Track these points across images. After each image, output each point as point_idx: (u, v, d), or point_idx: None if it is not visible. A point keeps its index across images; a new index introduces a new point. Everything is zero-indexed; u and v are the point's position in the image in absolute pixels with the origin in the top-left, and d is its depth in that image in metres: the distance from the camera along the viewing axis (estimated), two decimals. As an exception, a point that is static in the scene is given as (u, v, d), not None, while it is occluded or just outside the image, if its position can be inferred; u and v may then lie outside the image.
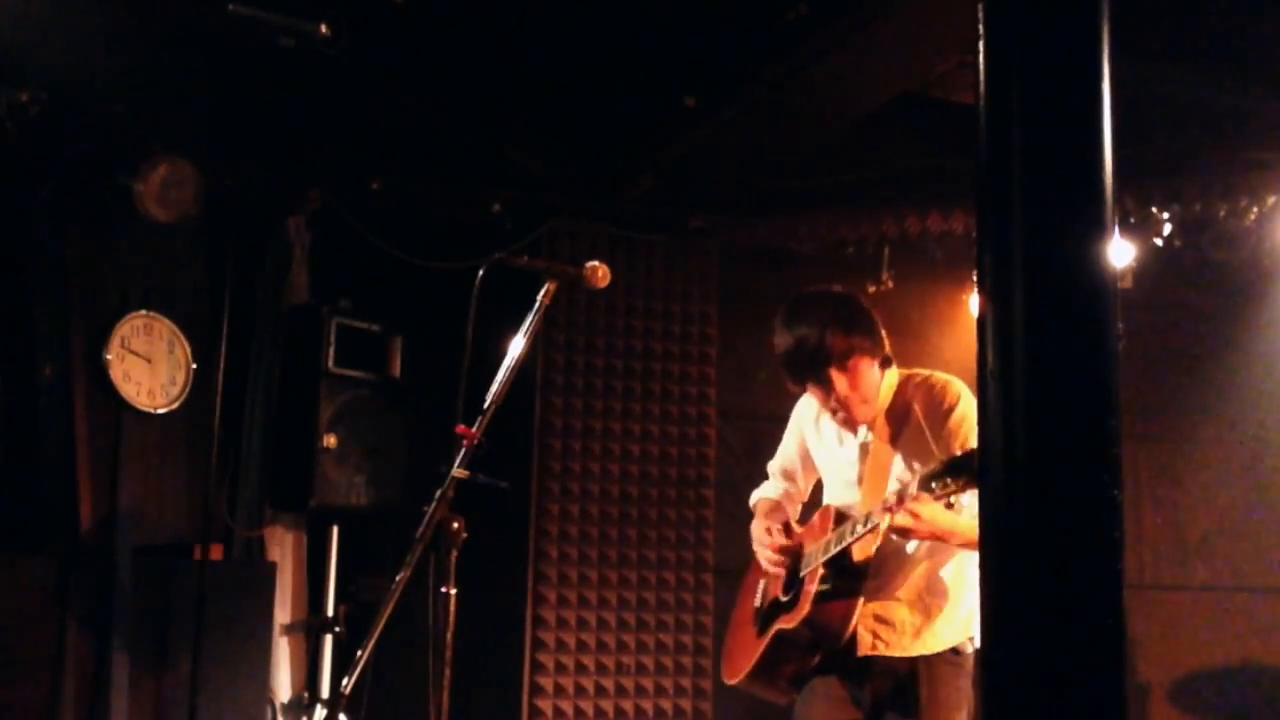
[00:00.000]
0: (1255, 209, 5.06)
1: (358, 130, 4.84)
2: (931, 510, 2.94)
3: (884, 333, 3.29)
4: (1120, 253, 5.08)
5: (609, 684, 5.48)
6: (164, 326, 4.75)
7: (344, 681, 2.58)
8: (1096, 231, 1.55)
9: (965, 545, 3.09)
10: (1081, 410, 1.52)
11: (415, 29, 4.04)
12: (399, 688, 3.83)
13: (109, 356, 4.53)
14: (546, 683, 5.40)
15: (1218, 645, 5.70)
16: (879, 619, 3.20)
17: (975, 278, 1.63)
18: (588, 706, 5.42)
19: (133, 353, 4.63)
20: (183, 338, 4.78)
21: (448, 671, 2.61)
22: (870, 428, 3.29)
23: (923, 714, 3.13)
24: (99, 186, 4.58)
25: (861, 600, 3.14)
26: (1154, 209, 5.09)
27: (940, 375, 3.32)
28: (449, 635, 2.61)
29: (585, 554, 5.54)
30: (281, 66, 4.05)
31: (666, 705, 5.50)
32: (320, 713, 4.96)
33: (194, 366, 4.79)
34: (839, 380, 3.17)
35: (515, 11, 3.99)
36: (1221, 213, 5.09)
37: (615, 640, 5.51)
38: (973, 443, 3.04)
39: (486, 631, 4.35)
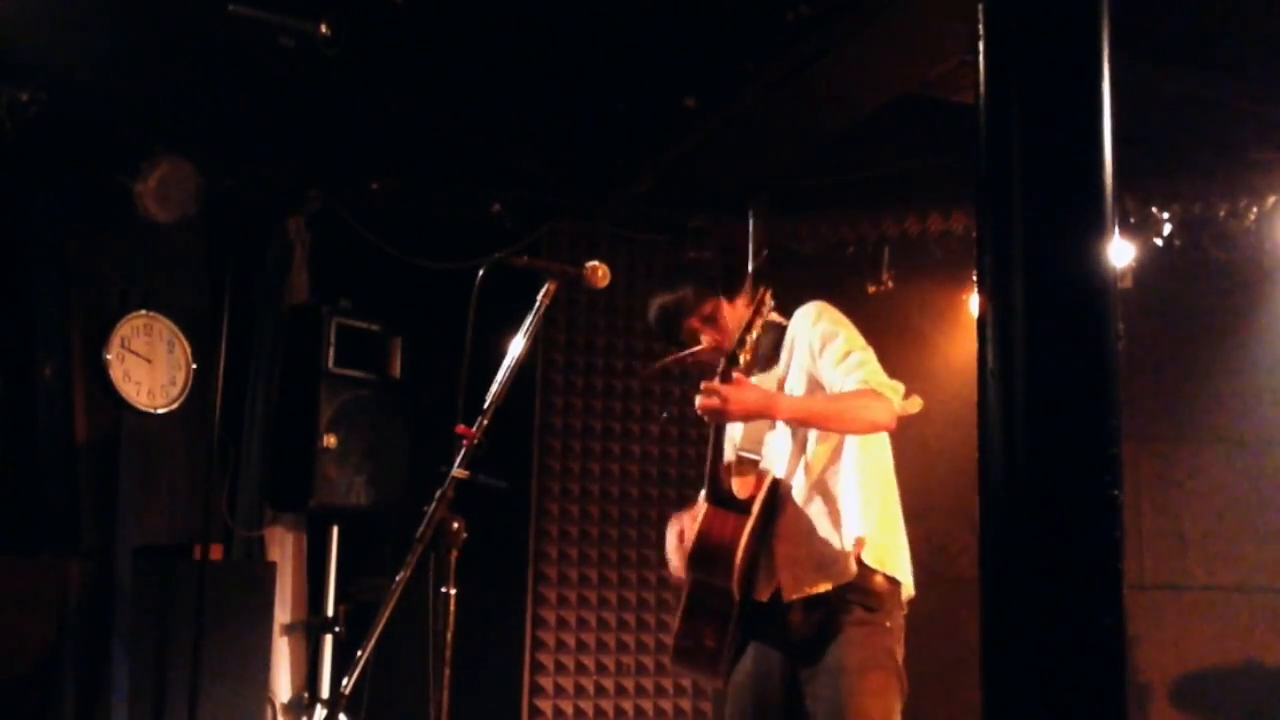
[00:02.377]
0: (1255, 209, 5.06)
1: (358, 130, 4.84)
2: (739, 390, 2.89)
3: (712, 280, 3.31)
4: (1120, 253, 5.08)
5: (609, 684, 5.48)
6: (164, 326, 4.75)
7: (344, 681, 2.58)
8: (1096, 231, 1.55)
9: (818, 421, 3.02)
10: (1081, 410, 1.52)
11: (415, 29, 4.04)
12: (399, 688, 3.84)
13: (109, 356, 4.53)
14: (546, 683, 5.40)
15: (1218, 645, 5.70)
16: (779, 562, 3.05)
17: (975, 278, 1.63)
18: (588, 706, 5.42)
19: (133, 353, 4.63)
20: (183, 338, 4.79)
21: (448, 671, 2.61)
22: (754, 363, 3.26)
23: (848, 679, 2.95)
24: (99, 186, 4.59)
25: (750, 520, 2.98)
26: (1154, 209, 5.09)
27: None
28: (449, 635, 2.61)
29: (585, 554, 5.54)
30: (281, 66, 4.05)
31: (666, 705, 5.50)
32: (320, 713, 4.96)
33: (194, 366, 4.80)
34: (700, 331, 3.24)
35: (515, 11, 3.99)
36: (1221, 213, 5.10)
37: (615, 640, 5.51)
38: (837, 336, 3.07)
39: (486, 631, 4.35)
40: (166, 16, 3.86)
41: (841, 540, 3.03)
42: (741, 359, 2.92)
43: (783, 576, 3.05)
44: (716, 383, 2.89)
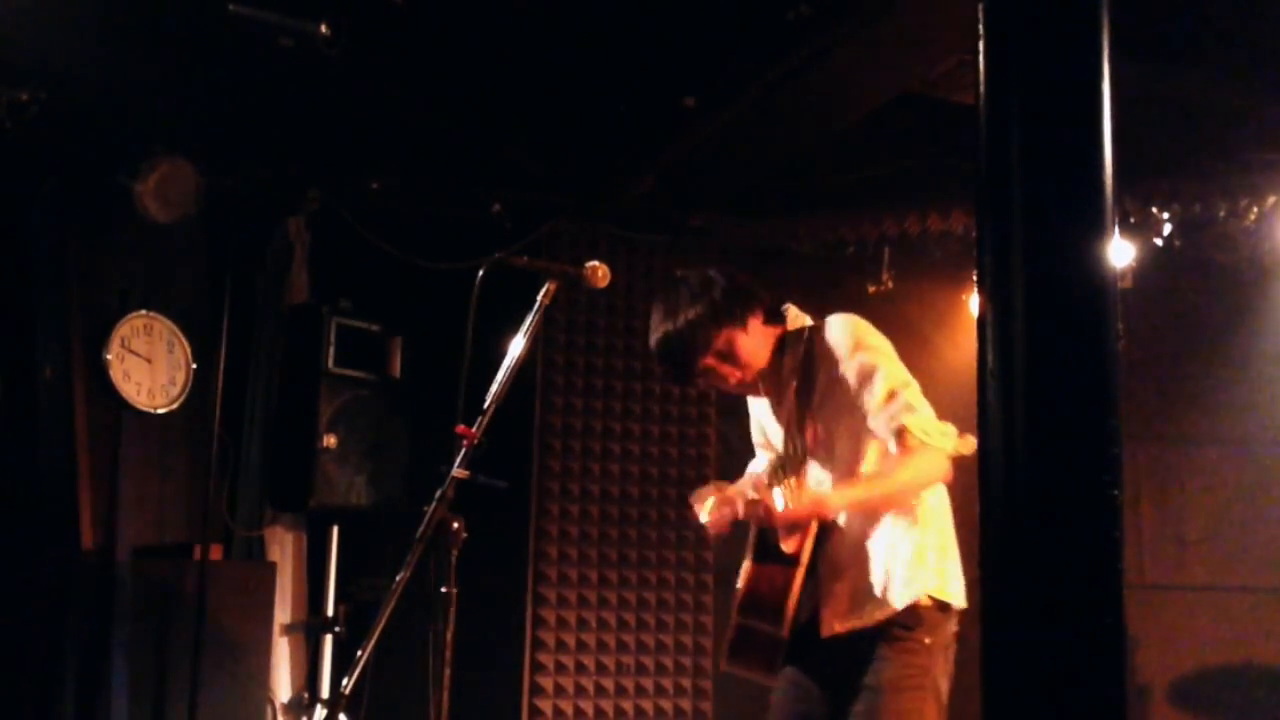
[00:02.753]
0: (1255, 209, 5.07)
1: (358, 130, 4.84)
2: (789, 502, 2.83)
3: (755, 289, 3.10)
4: (1120, 253, 5.08)
5: (609, 684, 5.48)
6: (164, 326, 4.75)
7: (344, 681, 2.58)
8: (1096, 231, 1.55)
9: (876, 506, 2.94)
10: (1081, 410, 1.52)
11: (415, 29, 4.04)
12: (399, 688, 3.84)
13: (109, 356, 4.53)
14: (546, 683, 5.40)
15: (1218, 645, 5.70)
16: (821, 595, 2.99)
17: (975, 278, 1.63)
18: (588, 706, 5.42)
19: (133, 353, 4.63)
20: (183, 338, 4.79)
21: (448, 671, 2.61)
22: (779, 388, 3.12)
23: (880, 698, 2.89)
24: (99, 186, 4.59)
25: (800, 570, 2.92)
26: (1154, 209, 5.09)
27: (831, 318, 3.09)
28: (449, 635, 2.61)
29: (585, 554, 5.54)
30: (281, 66, 4.05)
31: (666, 705, 5.50)
32: (320, 713, 4.96)
33: (194, 366, 4.80)
34: (717, 369, 3.06)
35: (515, 11, 3.99)
36: (1221, 213, 5.10)
37: (615, 640, 5.51)
38: (876, 371, 2.92)
39: (486, 631, 4.35)
40: (166, 16, 3.86)
41: (885, 575, 2.94)
42: (793, 480, 2.89)
43: (824, 611, 2.99)
44: (766, 499, 2.86)
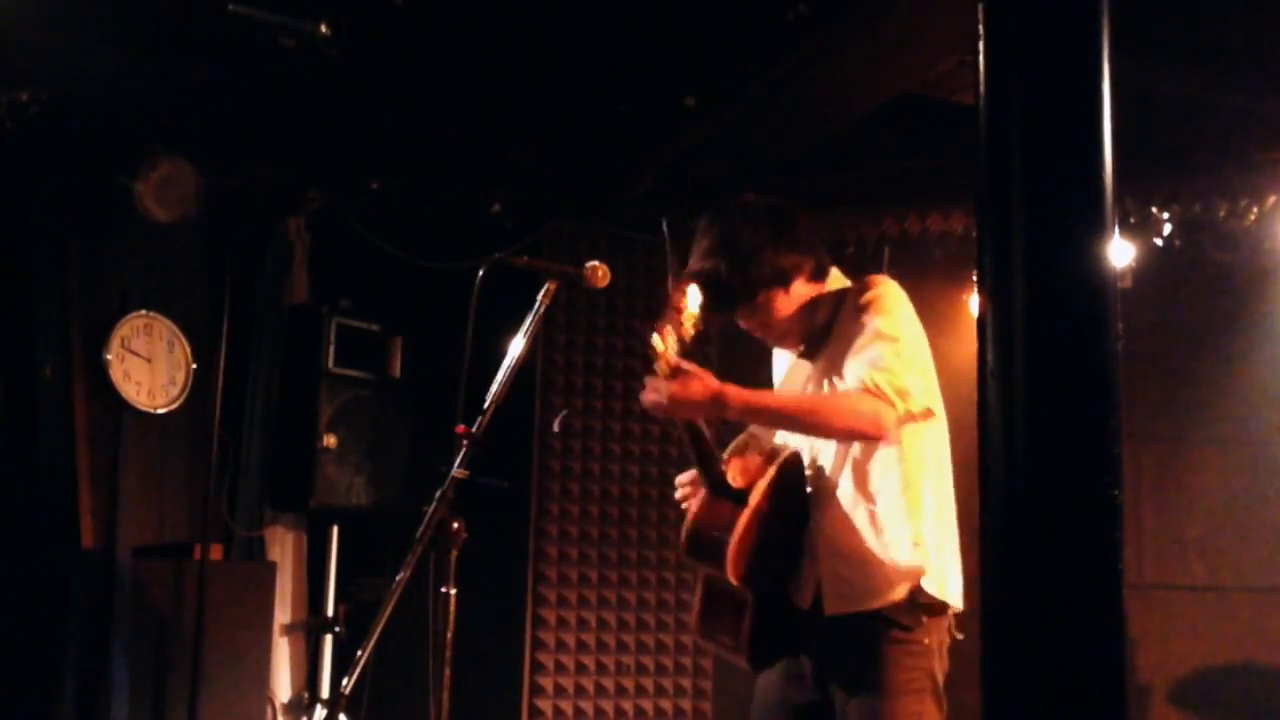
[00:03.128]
0: (1255, 209, 5.06)
1: (358, 130, 4.84)
2: (685, 385, 2.68)
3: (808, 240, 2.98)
4: (1120, 253, 5.08)
5: (609, 684, 5.48)
6: (164, 326, 4.75)
7: (344, 681, 2.58)
8: (1096, 231, 1.55)
9: (793, 422, 2.85)
10: (1081, 410, 1.52)
11: (415, 29, 4.04)
12: (399, 688, 3.84)
13: (109, 356, 4.53)
14: (546, 683, 5.40)
15: (1218, 645, 5.70)
16: (825, 575, 2.87)
17: (975, 278, 1.63)
18: (588, 706, 5.42)
19: (133, 353, 4.63)
20: (183, 338, 4.79)
21: (448, 671, 2.61)
22: (805, 348, 3.02)
23: (882, 702, 2.79)
24: (99, 186, 4.59)
25: (748, 512, 2.78)
26: (1154, 209, 5.09)
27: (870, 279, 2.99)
28: (449, 635, 2.61)
29: (585, 554, 5.54)
30: (281, 66, 4.05)
31: (666, 705, 5.50)
32: (320, 713, 4.96)
33: (194, 366, 4.79)
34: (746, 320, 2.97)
35: (515, 12, 3.99)
36: (1221, 213, 5.09)
37: (615, 640, 5.52)
38: (876, 329, 2.82)
39: (486, 631, 4.35)
40: (166, 16, 3.86)
41: (892, 558, 2.83)
42: (681, 335, 2.70)
43: (827, 590, 2.87)
44: (659, 379, 2.71)
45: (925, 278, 5.67)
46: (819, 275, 3.04)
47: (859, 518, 2.88)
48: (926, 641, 2.84)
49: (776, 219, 2.96)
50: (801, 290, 2.98)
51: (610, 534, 5.58)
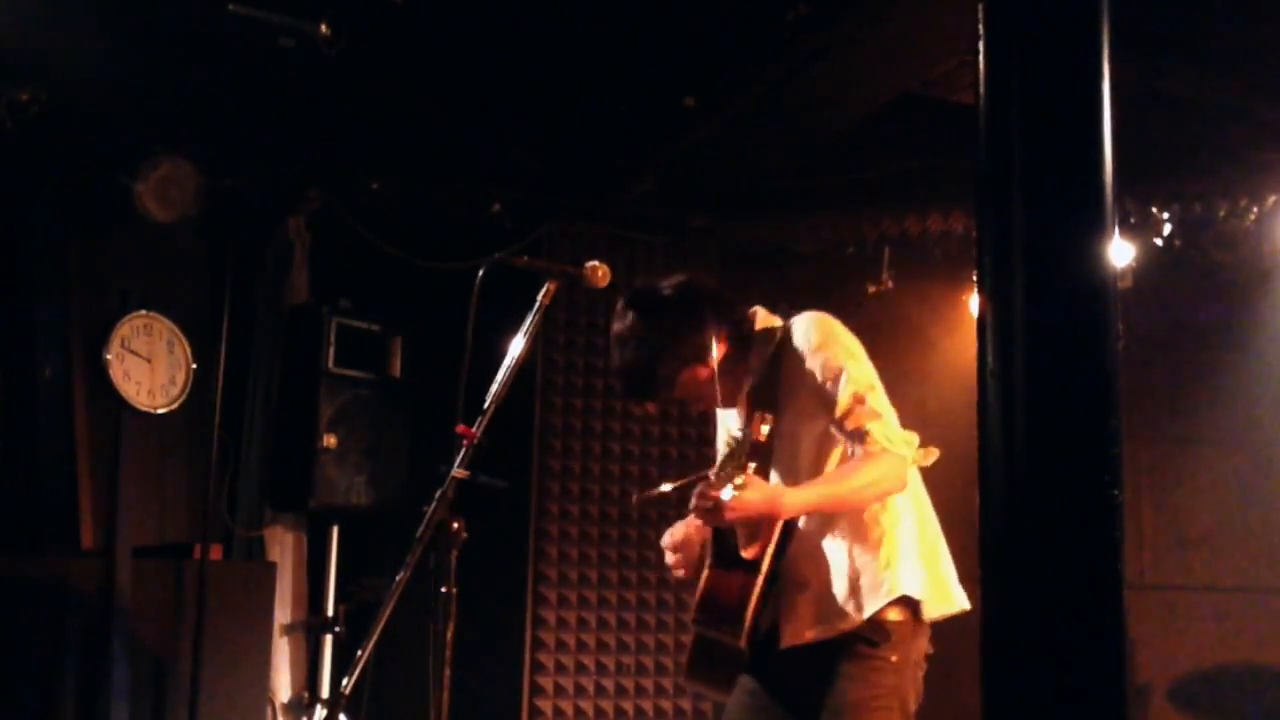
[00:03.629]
0: (1255, 209, 5.07)
1: (358, 130, 4.84)
2: (739, 496, 2.63)
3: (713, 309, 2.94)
4: (1120, 253, 5.08)
5: (609, 684, 5.48)
6: (164, 326, 4.75)
7: (344, 681, 2.58)
8: (1096, 231, 1.55)
9: (832, 509, 2.80)
10: (1081, 410, 1.52)
11: (415, 29, 4.04)
12: (399, 688, 3.84)
13: (109, 356, 4.53)
14: (546, 683, 5.40)
15: (1218, 645, 5.70)
16: (782, 606, 2.86)
17: (975, 278, 1.63)
18: (588, 706, 5.42)
19: (133, 353, 4.62)
20: (183, 338, 4.78)
21: (448, 671, 2.61)
22: (752, 397, 2.97)
23: (842, 717, 2.76)
24: (99, 186, 4.58)
25: (761, 578, 2.77)
26: (1154, 209, 5.09)
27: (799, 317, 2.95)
28: (449, 635, 2.61)
29: (585, 554, 5.54)
30: (281, 66, 4.05)
31: (666, 705, 5.50)
32: (320, 713, 4.96)
33: (194, 366, 4.79)
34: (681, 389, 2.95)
35: (515, 11, 3.99)
36: (1221, 213, 5.10)
37: (615, 640, 5.51)
38: (842, 373, 2.77)
39: (486, 631, 4.35)
40: (166, 16, 3.86)
41: (847, 585, 2.81)
42: (744, 464, 2.67)
43: (783, 624, 2.86)
44: (714, 493, 2.66)
45: (925, 278, 5.68)
46: (736, 329, 2.99)
47: (826, 544, 2.86)
48: (894, 659, 2.78)
49: (671, 306, 2.96)
50: (722, 354, 2.92)
51: (610, 534, 5.58)
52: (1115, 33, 1.58)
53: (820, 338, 2.87)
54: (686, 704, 5.51)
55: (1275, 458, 5.71)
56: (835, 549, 2.86)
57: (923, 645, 2.85)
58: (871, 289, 5.56)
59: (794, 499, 2.78)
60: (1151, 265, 5.22)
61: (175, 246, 4.85)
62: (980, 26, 1.62)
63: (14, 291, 4.55)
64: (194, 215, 4.65)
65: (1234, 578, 5.74)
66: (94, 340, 4.52)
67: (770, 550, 2.80)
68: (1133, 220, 5.09)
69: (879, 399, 2.81)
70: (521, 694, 5.35)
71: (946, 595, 2.87)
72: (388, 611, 2.56)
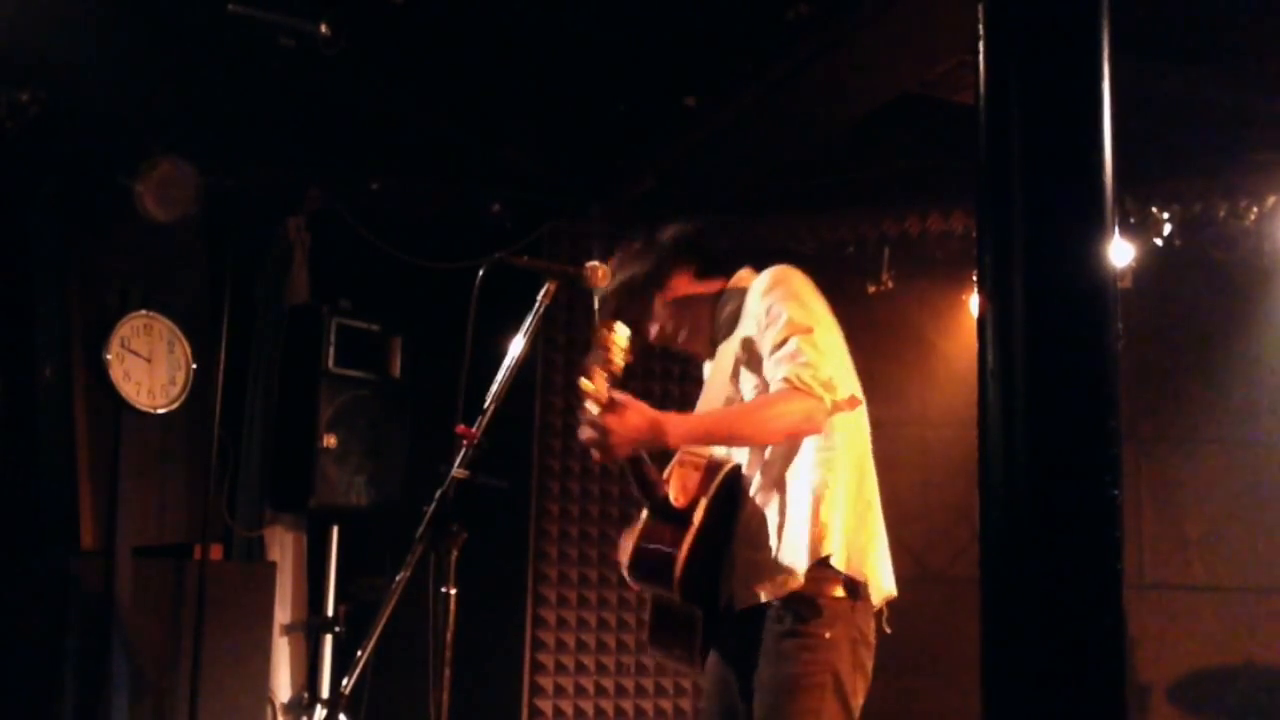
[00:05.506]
0: (1255, 209, 5.07)
1: (358, 130, 4.84)
2: (619, 418, 2.62)
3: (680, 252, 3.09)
4: (1120, 253, 5.08)
5: (609, 684, 5.48)
6: (164, 326, 4.74)
7: (344, 681, 2.58)
8: (1096, 231, 1.55)
9: (734, 436, 2.83)
10: (1081, 410, 1.52)
11: (415, 29, 4.05)
12: (399, 688, 3.83)
13: (109, 356, 4.53)
14: (546, 683, 5.40)
15: (1218, 645, 5.70)
16: (732, 571, 2.84)
17: (975, 278, 1.63)
18: (588, 706, 5.42)
19: (133, 353, 4.62)
20: (183, 338, 4.78)
21: (448, 671, 2.61)
22: (715, 347, 3.03)
23: (776, 698, 2.73)
24: (99, 186, 4.58)
25: (692, 531, 2.77)
26: (1154, 209, 5.09)
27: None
28: (449, 635, 2.61)
29: (585, 554, 5.54)
30: (281, 66, 4.05)
31: (666, 705, 5.50)
32: (320, 713, 4.96)
33: (194, 366, 4.79)
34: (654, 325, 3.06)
35: (515, 11, 4.00)
36: (1221, 213, 5.10)
37: (615, 640, 5.52)
38: (781, 315, 2.80)
39: (486, 631, 4.35)
40: (166, 16, 3.86)
41: (787, 547, 2.78)
42: (612, 370, 2.66)
43: (733, 587, 2.85)
44: (595, 411, 2.63)
45: (925, 278, 5.68)
46: (722, 269, 3.12)
47: (769, 507, 2.86)
48: (828, 635, 2.75)
49: (679, 230, 3.14)
50: (708, 283, 3.08)
51: (610, 534, 5.58)
52: (1115, 33, 1.58)
53: (770, 283, 2.94)
54: (686, 704, 5.51)
55: (1275, 458, 5.71)
56: (781, 510, 2.84)
57: (863, 621, 2.82)
58: (871, 289, 5.56)
59: (677, 418, 2.80)
60: (1151, 265, 5.22)
61: (175, 246, 4.85)
62: (980, 26, 1.62)
63: (14, 291, 4.55)
64: (194, 215, 4.65)
65: (1234, 578, 5.74)
66: (94, 340, 4.52)
67: (704, 504, 2.81)
68: (1133, 220, 5.09)
69: (810, 343, 2.79)
70: (521, 694, 5.35)
71: (879, 579, 2.85)
72: (388, 611, 2.56)
